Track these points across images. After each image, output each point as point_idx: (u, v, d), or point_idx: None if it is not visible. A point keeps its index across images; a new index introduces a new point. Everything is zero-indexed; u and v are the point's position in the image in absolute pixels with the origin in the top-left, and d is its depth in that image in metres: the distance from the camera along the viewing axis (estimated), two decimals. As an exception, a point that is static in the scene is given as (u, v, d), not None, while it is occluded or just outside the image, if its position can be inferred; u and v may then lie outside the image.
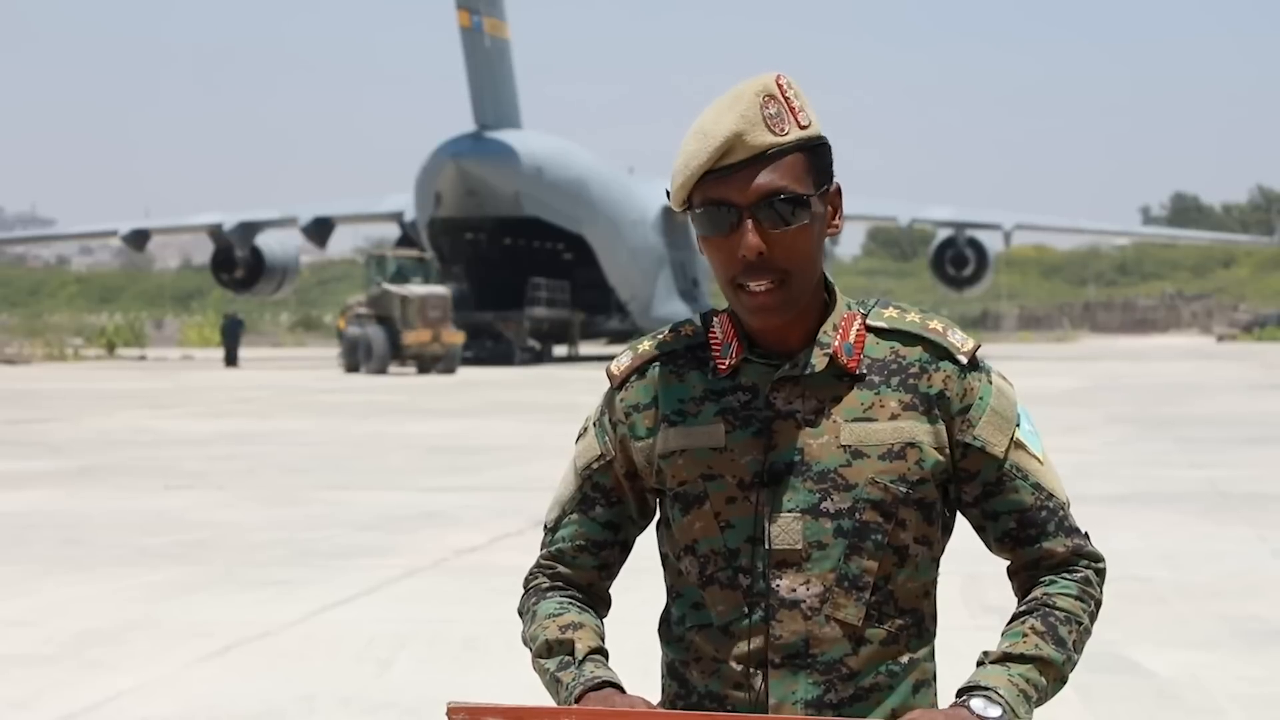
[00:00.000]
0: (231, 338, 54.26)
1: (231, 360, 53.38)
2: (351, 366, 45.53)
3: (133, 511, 13.25)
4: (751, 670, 2.39)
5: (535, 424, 23.18)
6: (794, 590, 2.37)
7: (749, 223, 2.32)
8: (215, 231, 58.33)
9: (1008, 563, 2.50)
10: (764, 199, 2.32)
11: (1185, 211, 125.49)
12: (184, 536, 11.78)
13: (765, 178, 2.33)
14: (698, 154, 2.33)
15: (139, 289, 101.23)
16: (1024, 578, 2.48)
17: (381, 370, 44.35)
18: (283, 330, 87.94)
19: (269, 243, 58.62)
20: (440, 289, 47.37)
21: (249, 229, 57.96)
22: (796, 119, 2.35)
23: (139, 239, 61.80)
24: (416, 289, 46.69)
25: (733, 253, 2.34)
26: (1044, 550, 2.45)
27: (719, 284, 2.40)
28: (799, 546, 2.37)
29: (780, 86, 2.35)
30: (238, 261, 58.12)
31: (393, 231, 64.02)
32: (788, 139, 2.33)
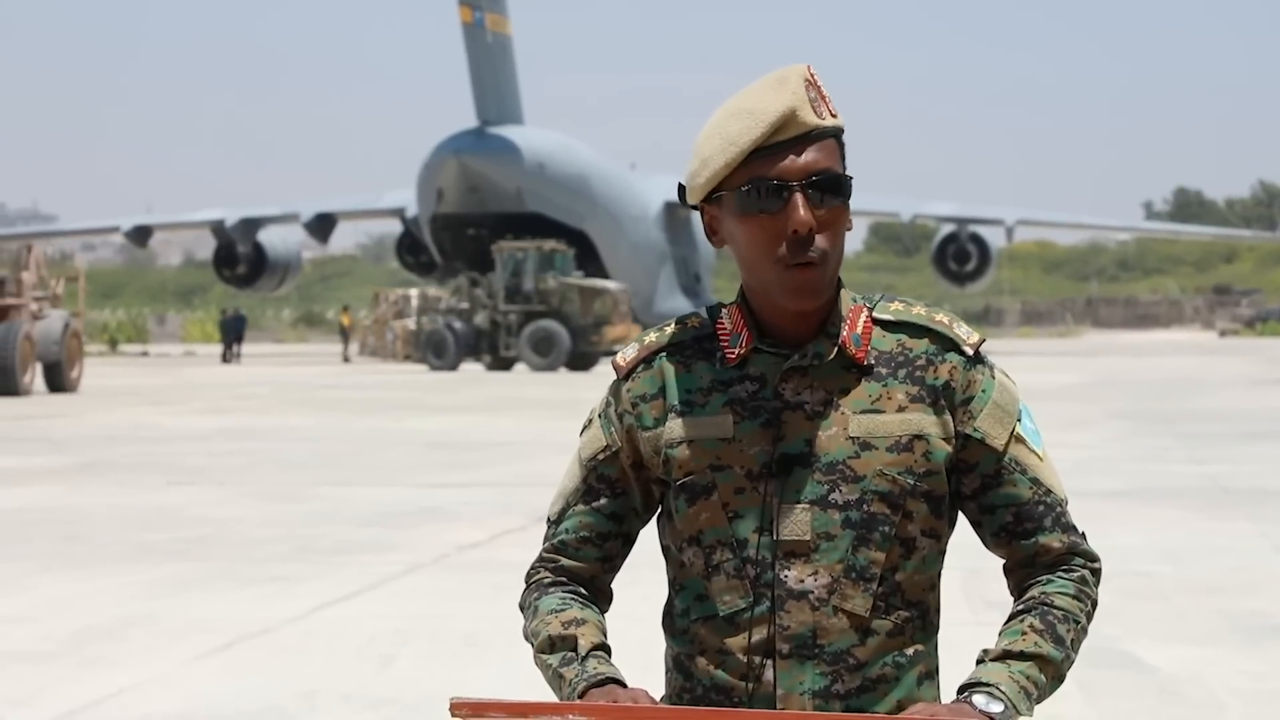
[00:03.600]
0: (225, 333, 54.47)
1: (224, 357, 53.47)
2: (452, 365, 43.04)
3: (133, 507, 13.25)
4: (758, 661, 2.39)
5: (536, 420, 23.18)
6: (802, 581, 2.38)
7: (799, 198, 2.34)
8: (217, 228, 58.36)
9: (1003, 560, 2.50)
10: (814, 175, 2.35)
11: (1188, 206, 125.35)
12: (184, 533, 11.78)
13: (813, 155, 2.36)
14: (747, 131, 2.35)
15: (141, 285, 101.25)
16: (1020, 575, 2.49)
17: (554, 367, 42.41)
18: (284, 326, 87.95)
19: (271, 239, 58.66)
20: (620, 284, 46.36)
21: (251, 225, 57.97)
22: (829, 107, 2.39)
23: (141, 235, 61.84)
24: (609, 284, 45.39)
25: (777, 230, 2.35)
26: (1040, 545, 2.45)
27: (751, 268, 2.39)
28: (807, 537, 2.38)
29: (812, 75, 2.39)
30: (240, 258, 58.16)
31: (395, 227, 64.01)
32: (827, 123, 2.38)
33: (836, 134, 2.40)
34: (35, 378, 31.65)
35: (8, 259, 32.76)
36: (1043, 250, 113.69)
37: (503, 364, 44.35)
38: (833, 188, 2.36)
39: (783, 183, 2.35)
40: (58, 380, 31.97)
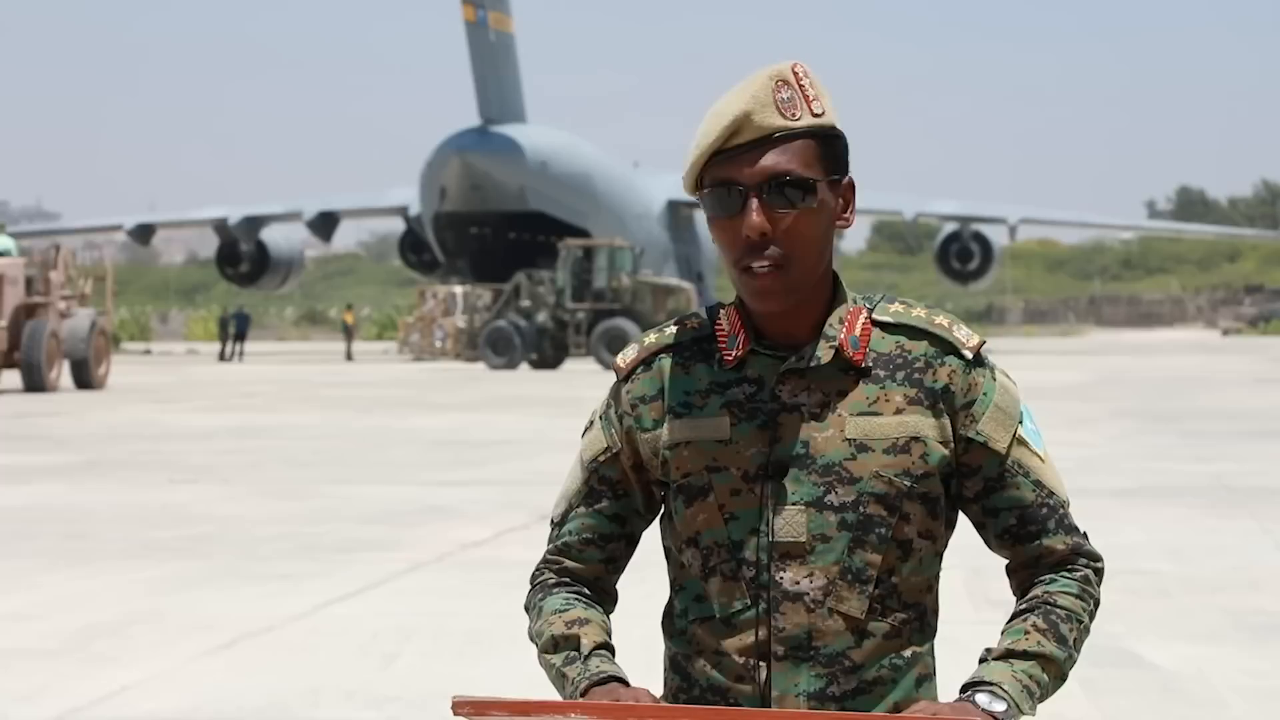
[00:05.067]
0: (223, 330, 54.55)
1: (222, 354, 53.57)
2: (515, 363, 42.90)
3: (137, 505, 13.26)
4: (754, 662, 2.40)
5: (539, 418, 23.18)
6: (797, 583, 2.38)
7: (754, 202, 2.34)
8: (220, 226, 58.44)
9: (1006, 560, 2.51)
10: (769, 180, 2.34)
11: (1191, 205, 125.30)
12: (188, 530, 11.78)
13: (771, 159, 2.35)
14: (708, 134, 2.36)
15: (144, 283, 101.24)
16: (1023, 575, 2.49)
17: None
18: (287, 324, 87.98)
19: (274, 237, 58.73)
20: (689, 283, 46.38)
21: (254, 223, 58.04)
22: (810, 106, 2.37)
23: (144, 233, 61.91)
24: (682, 283, 45.23)
25: (738, 234, 2.36)
26: (1044, 547, 2.46)
27: (727, 268, 2.41)
28: (803, 539, 2.38)
29: (796, 74, 2.38)
30: (243, 256, 58.27)
31: (397, 225, 64.06)
32: (798, 124, 2.36)
33: (816, 134, 2.38)
34: (63, 375, 32.35)
35: (36, 259, 33.47)
36: (1046, 249, 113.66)
37: (549, 362, 44.29)
38: (792, 191, 2.35)
39: (737, 186, 2.35)
40: (85, 377, 32.60)
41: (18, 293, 31.59)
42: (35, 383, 31.06)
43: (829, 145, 2.39)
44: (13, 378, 32.50)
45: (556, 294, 44.80)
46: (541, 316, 44.54)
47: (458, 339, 50.11)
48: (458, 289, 51.37)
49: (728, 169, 2.36)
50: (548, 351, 44.32)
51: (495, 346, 44.01)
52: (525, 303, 44.99)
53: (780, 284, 2.36)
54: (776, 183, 2.34)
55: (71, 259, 35.53)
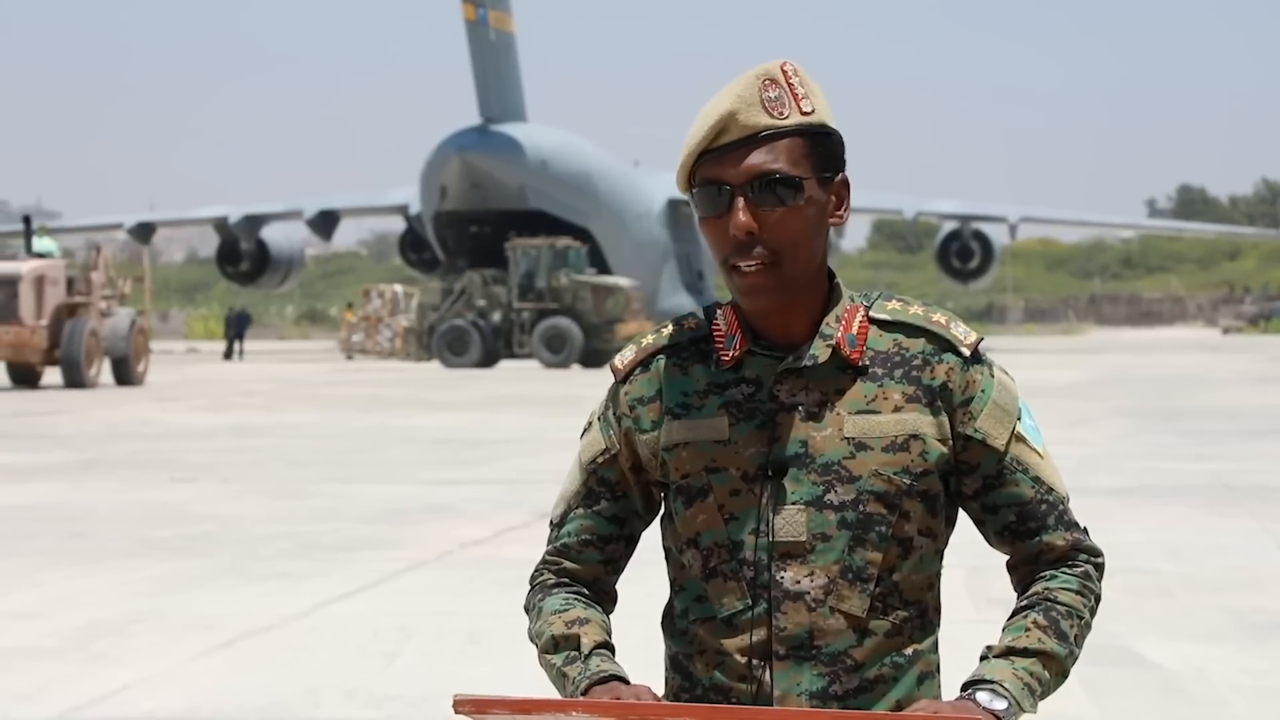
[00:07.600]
0: (228, 329, 54.74)
1: (227, 354, 53.73)
2: (473, 362, 42.94)
3: (137, 504, 13.26)
4: (756, 662, 2.39)
5: (539, 417, 23.19)
6: (798, 582, 2.38)
7: (740, 201, 2.35)
8: (221, 224, 58.38)
9: (1006, 557, 2.51)
10: (755, 179, 2.35)
11: (1191, 204, 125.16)
12: (189, 529, 11.78)
13: (757, 158, 2.35)
14: (695, 134, 2.38)
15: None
16: (1023, 572, 2.49)
17: (566, 364, 42.58)
18: (287, 323, 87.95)
19: (274, 236, 58.68)
20: (632, 281, 46.72)
21: (254, 222, 57.98)
22: (799, 104, 2.37)
23: (144, 232, 61.81)
24: (621, 281, 45.57)
25: (725, 233, 2.37)
26: (1043, 544, 2.46)
27: (718, 266, 2.41)
28: (803, 538, 2.38)
29: (785, 72, 2.38)
30: (243, 254, 58.21)
31: (398, 224, 64.01)
32: (785, 123, 2.36)
33: (805, 132, 2.38)
34: (102, 372, 33.38)
35: (78, 260, 34.60)
36: (1046, 247, 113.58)
37: (489, 360, 44.39)
38: (778, 189, 2.36)
39: (724, 185, 2.36)
40: (124, 374, 33.81)
41: (58, 293, 32.94)
42: (75, 379, 32.15)
43: (818, 143, 2.39)
44: (54, 375, 33.52)
45: (509, 293, 45.21)
46: (497, 316, 44.87)
47: (405, 338, 50.15)
48: (397, 287, 51.41)
49: (715, 168, 2.37)
50: (500, 350, 44.64)
51: (452, 346, 44.16)
52: (481, 302, 45.26)
53: (770, 281, 2.36)
54: (763, 181, 2.35)
55: (111, 261, 36.74)
